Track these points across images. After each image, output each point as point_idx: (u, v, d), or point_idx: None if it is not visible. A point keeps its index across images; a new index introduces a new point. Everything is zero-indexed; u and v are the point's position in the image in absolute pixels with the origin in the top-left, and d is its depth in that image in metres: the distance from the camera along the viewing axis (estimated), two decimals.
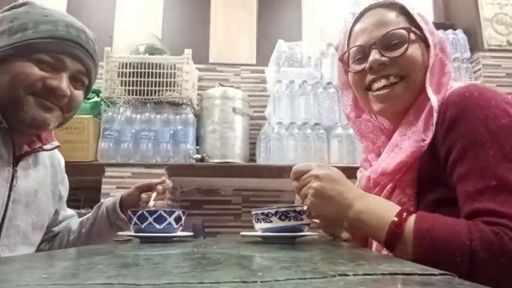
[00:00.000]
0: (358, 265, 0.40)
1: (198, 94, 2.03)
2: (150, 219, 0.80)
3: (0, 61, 0.79)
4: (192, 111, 1.87)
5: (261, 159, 1.83)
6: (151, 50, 1.91)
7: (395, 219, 0.61)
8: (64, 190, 1.06)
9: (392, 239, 0.61)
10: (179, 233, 0.86)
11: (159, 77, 1.79)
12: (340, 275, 0.33)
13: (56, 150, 0.99)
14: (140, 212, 0.81)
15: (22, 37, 0.79)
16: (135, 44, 1.96)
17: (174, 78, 1.80)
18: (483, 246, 0.54)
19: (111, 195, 1.64)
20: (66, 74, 0.84)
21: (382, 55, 0.75)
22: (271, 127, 1.84)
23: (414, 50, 0.74)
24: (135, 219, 0.80)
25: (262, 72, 2.16)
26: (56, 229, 1.06)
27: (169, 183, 1.01)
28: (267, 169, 1.69)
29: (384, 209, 0.64)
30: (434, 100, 0.69)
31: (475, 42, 2.06)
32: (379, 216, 0.64)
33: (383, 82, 0.76)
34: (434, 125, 0.67)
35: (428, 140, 0.67)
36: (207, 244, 0.79)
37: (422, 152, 0.68)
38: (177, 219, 0.83)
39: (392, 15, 0.77)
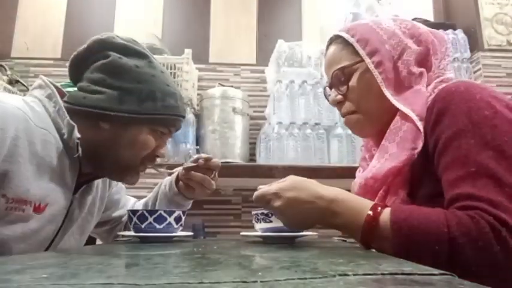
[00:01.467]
0: (358, 265, 0.40)
1: (198, 94, 2.03)
2: (150, 219, 0.80)
3: (125, 123, 0.81)
4: (192, 111, 1.87)
5: (261, 159, 1.83)
6: (151, 50, 1.90)
7: (370, 212, 0.61)
8: (117, 193, 1.07)
9: (368, 234, 0.61)
10: (179, 233, 0.86)
11: None
12: (340, 275, 0.33)
13: None
14: (140, 212, 0.81)
15: (152, 109, 0.83)
16: None
17: (174, 78, 1.80)
18: (461, 231, 0.54)
19: None
20: (167, 139, 0.93)
21: (337, 93, 0.82)
22: (271, 127, 1.84)
23: (357, 82, 0.79)
24: (135, 219, 0.81)
25: (262, 72, 2.16)
26: (124, 219, 1.09)
27: (216, 161, 1.00)
28: (267, 169, 1.69)
29: (356, 210, 0.64)
30: (410, 113, 0.71)
31: (475, 42, 2.06)
32: (353, 215, 0.63)
33: (343, 113, 0.83)
34: (423, 133, 0.68)
35: (418, 149, 0.68)
36: (207, 244, 0.79)
37: (413, 160, 0.68)
38: (177, 219, 0.83)
39: (337, 50, 0.83)
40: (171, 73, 1.80)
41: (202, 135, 1.88)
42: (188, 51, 1.86)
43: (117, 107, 0.79)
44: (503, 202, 0.55)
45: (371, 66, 0.77)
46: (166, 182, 1.06)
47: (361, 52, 0.78)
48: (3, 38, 2.21)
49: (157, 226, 0.80)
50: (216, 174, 1.01)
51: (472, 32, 2.10)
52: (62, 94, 0.83)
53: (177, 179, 1.03)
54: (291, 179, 0.70)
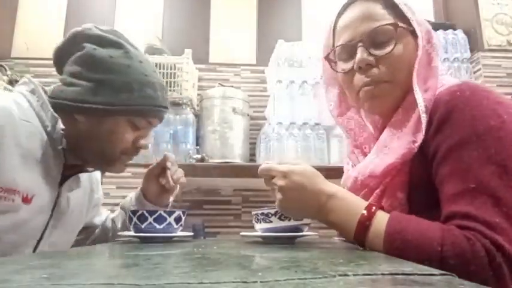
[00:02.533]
0: (358, 265, 0.40)
1: (198, 94, 2.03)
2: (150, 219, 0.80)
3: (101, 115, 0.81)
4: (192, 112, 1.87)
5: (261, 159, 1.83)
6: (152, 50, 1.91)
7: (364, 212, 0.61)
8: (99, 198, 1.08)
9: (361, 234, 0.61)
10: (179, 233, 0.86)
11: None
12: (340, 275, 0.33)
13: None
14: (140, 212, 0.81)
15: (128, 99, 0.82)
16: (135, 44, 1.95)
17: (174, 78, 1.80)
18: (454, 252, 0.53)
19: (111, 195, 1.64)
20: (151, 131, 0.92)
21: (369, 54, 0.71)
22: (271, 127, 1.84)
23: (401, 48, 0.70)
24: (135, 219, 0.80)
25: (262, 72, 2.16)
26: (97, 231, 1.09)
27: (170, 155, 1.03)
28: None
29: (353, 206, 0.64)
30: (420, 102, 0.66)
31: (475, 42, 2.06)
32: (348, 213, 0.63)
33: (370, 80, 0.72)
34: (424, 127, 0.65)
35: (418, 142, 0.65)
36: (207, 244, 0.79)
37: (413, 154, 0.65)
38: (177, 220, 0.83)
39: (377, 7, 0.72)
40: (171, 73, 1.80)
41: (202, 135, 1.88)
42: (188, 51, 1.86)
43: (91, 99, 0.79)
44: (500, 224, 0.53)
45: (420, 35, 0.70)
46: (132, 201, 1.05)
47: (411, 17, 0.71)
48: (3, 38, 2.21)
49: (158, 226, 0.80)
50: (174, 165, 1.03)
51: (472, 32, 2.09)
52: (45, 90, 0.84)
53: (143, 193, 1.03)
54: (304, 166, 0.69)
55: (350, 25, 0.74)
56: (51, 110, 0.80)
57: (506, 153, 0.57)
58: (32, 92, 0.82)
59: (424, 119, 0.65)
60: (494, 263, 0.51)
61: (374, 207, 0.62)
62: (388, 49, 0.70)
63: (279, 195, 0.69)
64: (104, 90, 0.80)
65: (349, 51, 0.74)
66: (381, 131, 0.76)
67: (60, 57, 0.86)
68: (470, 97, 0.61)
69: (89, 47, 0.82)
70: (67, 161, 0.84)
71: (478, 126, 0.59)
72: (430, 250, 0.54)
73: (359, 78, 0.73)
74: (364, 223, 0.61)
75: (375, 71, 0.71)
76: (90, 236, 1.07)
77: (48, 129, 0.80)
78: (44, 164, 0.79)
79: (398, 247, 0.56)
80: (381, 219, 0.60)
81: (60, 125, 0.80)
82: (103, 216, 1.11)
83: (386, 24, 0.70)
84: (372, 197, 0.71)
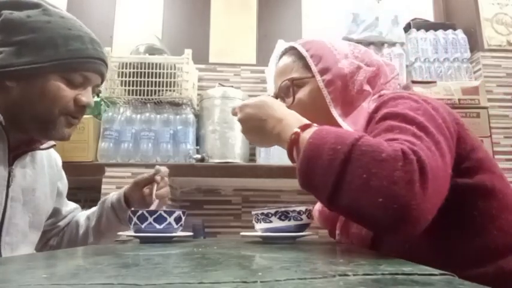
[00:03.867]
0: (358, 265, 0.40)
1: (198, 94, 2.03)
2: (150, 219, 0.80)
3: (29, 76, 0.79)
4: (192, 111, 1.87)
5: (261, 159, 1.83)
6: (151, 50, 1.91)
7: (298, 130, 0.62)
8: (63, 186, 1.07)
9: (290, 146, 0.62)
10: (179, 233, 0.86)
11: (159, 77, 1.79)
12: (340, 275, 0.33)
13: (52, 149, 1.00)
14: (140, 212, 0.81)
15: (54, 55, 0.80)
16: (135, 44, 1.96)
17: (174, 78, 1.80)
18: (369, 143, 0.52)
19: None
20: (91, 87, 0.88)
21: (284, 103, 0.83)
22: None
23: (303, 96, 0.81)
24: (135, 219, 0.80)
25: (262, 72, 2.16)
26: (61, 223, 1.07)
27: (164, 170, 1.01)
28: (267, 169, 1.69)
29: (293, 125, 0.65)
30: (344, 125, 0.74)
31: (475, 42, 2.06)
32: (287, 131, 0.64)
33: None
34: None
35: None
36: (207, 244, 0.79)
37: None
38: (177, 220, 0.83)
39: (290, 61, 0.85)
40: (171, 73, 1.80)
41: (202, 135, 1.88)
42: (188, 51, 1.86)
43: (16, 61, 0.78)
44: (419, 144, 0.54)
45: (321, 85, 0.78)
46: (113, 201, 1.04)
47: (313, 68, 0.80)
48: None
49: (158, 226, 0.80)
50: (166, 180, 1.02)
51: (472, 32, 2.09)
52: None
53: (126, 197, 1.02)
54: (260, 98, 0.73)
55: (274, 78, 0.90)
56: None
57: (424, 120, 0.60)
58: None
59: None
60: (406, 158, 0.50)
61: (315, 125, 0.63)
62: (290, 100, 0.83)
63: (240, 128, 0.75)
64: (27, 50, 0.79)
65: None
66: None
67: None
68: (393, 96, 0.70)
69: (5, 12, 0.81)
70: (10, 138, 0.83)
71: (399, 106, 0.65)
72: (348, 137, 0.54)
73: None
74: (297, 132, 0.62)
75: None
76: (56, 223, 1.06)
77: None
78: None
79: (320, 136, 0.56)
80: (311, 129, 0.61)
81: None
82: (70, 207, 1.10)
83: (287, 80, 0.83)
84: (338, 224, 0.80)
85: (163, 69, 1.80)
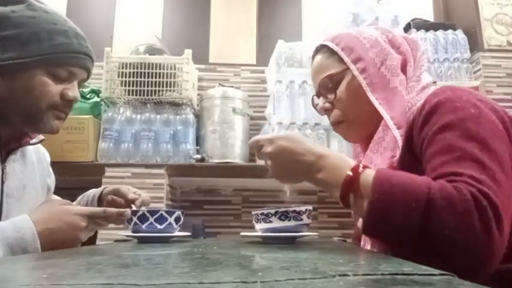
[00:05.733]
0: (358, 265, 0.40)
1: (198, 94, 2.03)
2: (151, 220, 0.80)
3: (14, 71, 0.79)
4: (192, 112, 1.87)
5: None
6: (151, 50, 1.91)
7: (350, 173, 0.62)
8: (51, 182, 1.07)
9: (346, 192, 0.61)
10: (177, 233, 0.86)
11: (159, 77, 1.79)
12: (340, 275, 0.33)
13: (40, 145, 1.00)
14: (141, 212, 0.81)
15: (39, 50, 0.80)
16: (135, 44, 1.96)
17: (174, 78, 1.80)
18: (441, 194, 0.54)
19: None
20: (76, 82, 0.88)
21: (325, 101, 0.85)
22: (271, 127, 1.84)
23: (344, 91, 0.81)
24: (135, 219, 0.80)
25: (262, 72, 2.16)
26: None
27: (146, 199, 0.99)
28: (267, 169, 1.68)
29: (341, 166, 0.64)
30: (389, 121, 0.74)
31: (475, 42, 2.06)
32: (336, 173, 0.64)
33: (332, 122, 0.86)
34: (400, 141, 0.71)
35: (397, 156, 0.71)
36: (207, 244, 0.79)
37: (394, 166, 0.71)
38: (177, 220, 0.83)
39: (324, 59, 0.86)
40: (171, 73, 1.80)
41: (202, 135, 1.88)
42: (188, 52, 1.86)
43: (0, 56, 0.78)
44: (485, 180, 0.55)
45: (356, 73, 0.80)
46: (88, 197, 1.04)
47: (346, 60, 0.82)
48: None
49: (158, 226, 0.80)
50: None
51: (472, 32, 2.09)
52: None
53: (100, 200, 1.02)
54: (288, 133, 0.75)
55: (312, 77, 0.91)
56: None
57: (486, 134, 0.61)
58: None
59: (397, 134, 0.72)
60: (481, 207, 0.52)
61: (361, 166, 0.63)
62: (332, 96, 0.83)
63: (269, 162, 0.71)
64: (11, 45, 0.79)
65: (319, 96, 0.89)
66: (366, 148, 0.83)
67: None
68: (452, 94, 0.68)
69: None
70: (2, 134, 0.83)
71: (459, 113, 0.64)
72: (418, 191, 0.55)
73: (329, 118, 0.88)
74: (351, 177, 0.61)
75: (334, 113, 0.85)
76: None
77: None
78: None
79: (386, 190, 0.57)
80: (369, 172, 0.61)
81: None
82: None
83: (324, 77, 0.84)
84: None
85: (163, 69, 1.80)
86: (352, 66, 0.81)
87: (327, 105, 0.85)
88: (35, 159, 0.97)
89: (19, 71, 0.80)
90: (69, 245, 0.81)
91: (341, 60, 0.83)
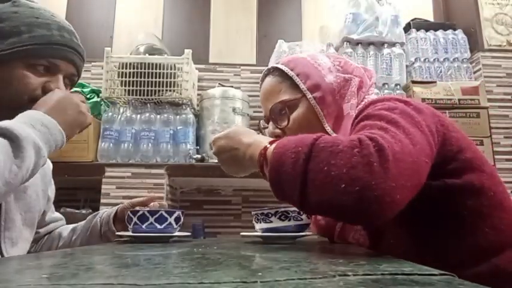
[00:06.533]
0: (358, 265, 0.40)
1: (198, 94, 2.03)
2: (151, 220, 0.80)
3: None
4: (192, 111, 1.87)
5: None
6: (151, 50, 1.91)
7: (267, 145, 0.63)
8: (51, 192, 1.06)
9: (261, 163, 0.62)
10: (177, 233, 0.86)
11: (159, 77, 1.79)
12: (340, 275, 0.33)
13: None
14: (141, 212, 0.81)
15: (18, 42, 0.79)
16: (135, 44, 1.96)
17: (174, 78, 1.80)
18: (327, 140, 0.54)
19: (111, 195, 1.64)
20: (61, 75, 0.86)
21: (276, 127, 0.83)
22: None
23: (298, 117, 0.80)
24: (135, 219, 0.81)
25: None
26: (42, 231, 1.05)
27: (164, 204, 1.01)
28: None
29: (262, 142, 0.65)
30: None
31: (475, 42, 2.06)
32: (257, 150, 0.64)
33: None
34: None
35: None
36: (207, 244, 0.79)
37: None
38: (177, 220, 0.83)
39: (276, 83, 0.83)
40: (170, 73, 1.80)
41: (202, 135, 1.88)
42: (188, 52, 1.86)
43: None
44: (382, 134, 0.55)
45: (313, 103, 0.78)
46: (103, 217, 1.04)
47: (303, 87, 0.79)
48: None
49: (158, 226, 0.80)
50: None
51: (472, 32, 2.10)
52: None
53: (115, 216, 1.02)
54: (231, 128, 0.74)
55: (262, 101, 0.88)
56: None
57: (399, 118, 0.60)
58: None
59: None
60: (362, 145, 0.51)
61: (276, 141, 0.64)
62: (284, 123, 0.81)
63: (217, 161, 0.75)
64: None
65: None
66: None
67: None
68: (375, 99, 0.71)
69: None
70: None
71: (378, 106, 0.66)
72: (308, 138, 0.55)
73: None
74: (265, 147, 0.63)
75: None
76: (39, 228, 1.04)
77: None
78: None
79: (283, 144, 0.57)
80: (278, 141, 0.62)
81: None
82: (55, 215, 1.10)
83: (277, 103, 0.81)
84: (335, 234, 0.80)
85: (163, 69, 1.80)
86: (309, 95, 0.79)
87: (278, 131, 0.82)
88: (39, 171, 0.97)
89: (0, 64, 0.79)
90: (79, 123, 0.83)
91: (296, 87, 0.81)
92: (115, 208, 1.04)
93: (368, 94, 0.84)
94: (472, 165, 0.67)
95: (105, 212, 1.05)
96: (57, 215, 1.12)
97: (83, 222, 1.08)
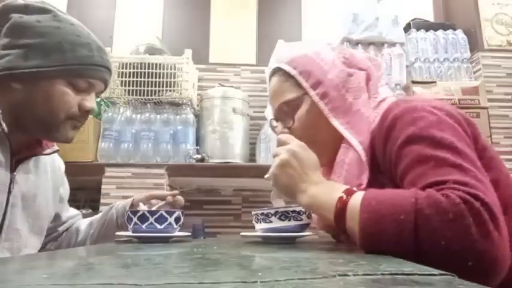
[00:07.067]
0: (358, 265, 0.40)
1: (198, 94, 2.03)
2: (151, 220, 0.80)
3: (35, 79, 0.80)
4: (192, 112, 1.87)
5: (261, 159, 1.83)
6: (151, 50, 1.91)
7: (343, 195, 0.60)
8: (65, 192, 1.07)
9: (340, 215, 0.59)
10: (177, 233, 0.86)
11: (159, 77, 1.79)
12: (340, 275, 0.33)
13: (56, 154, 1.00)
14: (141, 212, 0.81)
15: (61, 60, 0.81)
16: (135, 44, 1.96)
17: (174, 78, 1.80)
18: (428, 203, 0.52)
19: (111, 195, 1.64)
20: (94, 93, 0.90)
21: (283, 126, 0.83)
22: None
23: (303, 116, 0.79)
24: (135, 219, 0.80)
25: (262, 72, 2.16)
26: (60, 229, 1.07)
27: (181, 199, 1.02)
28: (266, 169, 1.68)
29: (333, 190, 0.63)
30: (356, 144, 0.72)
31: (475, 42, 2.06)
32: (328, 197, 0.62)
33: None
34: (368, 167, 0.69)
35: (364, 185, 0.69)
36: (207, 244, 0.79)
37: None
38: (177, 220, 0.83)
39: (280, 82, 0.83)
40: (171, 73, 1.80)
41: (202, 135, 1.88)
42: (188, 52, 1.86)
43: (22, 64, 0.78)
44: (471, 181, 0.53)
45: (316, 99, 0.77)
46: (118, 208, 1.05)
47: (305, 85, 0.79)
48: None
49: (158, 226, 0.80)
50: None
51: (472, 32, 2.09)
52: None
53: (131, 207, 1.03)
54: (302, 150, 0.70)
55: (269, 100, 0.88)
56: None
57: (451, 138, 0.59)
58: None
59: (365, 160, 0.70)
60: (473, 209, 0.50)
61: (353, 190, 0.62)
62: (290, 123, 0.81)
63: (275, 170, 0.71)
64: (35, 53, 0.79)
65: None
66: (329, 172, 0.80)
67: None
68: (406, 105, 0.67)
69: (15, 16, 0.81)
70: (13, 144, 0.83)
71: (419, 123, 0.62)
72: (405, 203, 0.53)
73: None
74: (340, 205, 0.60)
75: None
76: (55, 228, 1.06)
77: None
78: None
79: (374, 208, 0.55)
80: (358, 195, 0.59)
81: None
82: (71, 213, 1.10)
83: (282, 103, 0.81)
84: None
85: (163, 69, 1.80)
86: (311, 92, 0.78)
87: (286, 130, 0.82)
88: (49, 169, 0.97)
89: (40, 79, 0.80)
90: None
91: (299, 85, 0.80)
92: (130, 199, 1.04)
93: (378, 87, 0.81)
94: (492, 164, 0.66)
95: (121, 203, 1.06)
96: (73, 211, 1.13)
97: (99, 215, 1.09)
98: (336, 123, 0.76)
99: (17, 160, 0.85)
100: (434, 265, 0.48)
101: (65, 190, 1.07)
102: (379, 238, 0.53)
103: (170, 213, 0.82)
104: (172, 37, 2.27)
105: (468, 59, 2.04)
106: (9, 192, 0.83)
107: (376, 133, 0.70)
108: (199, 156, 1.77)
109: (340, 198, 0.60)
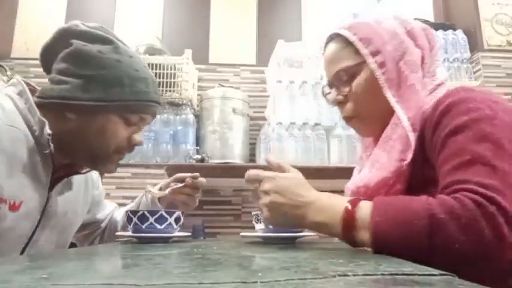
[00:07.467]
0: (358, 265, 0.40)
1: (198, 94, 2.03)
2: (151, 220, 0.80)
3: (93, 111, 0.80)
4: (192, 112, 1.87)
5: (261, 160, 1.83)
6: (151, 51, 1.91)
7: (348, 205, 0.59)
8: (99, 194, 1.07)
9: (349, 227, 0.58)
10: (177, 233, 0.86)
11: (159, 78, 1.79)
12: (340, 275, 0.33)
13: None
14: (141, 212, 0.81)
15: (120, 95, 0.80)
16: (135, 44, 1.96)
17: (174, 78, 1.80)
18: (442, 208, 0.52)
19: (111, 195, 1.64)
20: (143, 126, 0.91)
21: (338, 93, 0.81)
22: (271, 127, 1.84)
23: (361, 84, 0.77)
24: (135, 219, 0.80)
25: (262, 72, 2.16)
26: (102, 225, 1.08)
27: (203, 180, 1.02)
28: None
29: (334, 205, 0.62)
30: (404, 120, 0.70)
31: (475, 43, 2.06)
32: (331, 214, 0.61)
33: (343, 116, 0.82)
34: (413, 144, 0.68)
35: (407, 161, 0.67)
36: (207, 244, 0.79)
37: (402, 172, 0.68)
38: (177, 220, 0.83)
39: (339, 48, 0.81)
40: (171, 73, 1.80)
41: (202, 135, 1.88)
42: (188, 52, 1.86)
43: (81, 95, 0.78)
44: (493, 184, 0.53)
45: (373, 66, 0.75)
46: (149, 195, 1.05)
47: (364, 52, 0.76)
48: (4, 38, 2.21)
49: (158, 226, 0.80)
50: (200, 191, 1.03)
51: (472, 32, 2.10)
52: (34, 92, 0.82)
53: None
54: (283, 180, 0.69)
55: (325, 67, 0.85)
56: (38, 113, 0.78)
57: (501, 134, 0.58)
58: (20, 94, 0.80)
59: (412, 136, 0.68)
60: (487, 213, 0.50)
61: (357, 201, 0.61)
62: (346, 90, 0.79)
63: (265, 211, 0.69)
64: (94, 86, 0.79)
65: (331, 86, 0.84)
66: (376, 142, 0.79)
67: (47, 56, 0.85)
68: (465, 95, 0.65)
69: (77, 43, 0.81)
70: (56, 165, 0.82)
71: (472, 114, 0.61)
72: (418, 208, 0.53)
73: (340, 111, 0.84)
74: (351, 215, 0.59)
75: (347, 107, 0.80)
76: (96, 230, 1.07)
77: (36, 133, 0.78)
78: (32, 170, 0.77)
79: (387, 213, 0.55)
80: (365, 204, 0.59)
81: (48, 129, 0.78)
82: (107, 209, 1.11)
83: (340, 69, 0.79)
84: None
85: (163, 69, 1.80)
86: (370, 60, 0.75)
87: (340, 97, 0.80)
88: (82, 186, 0.97)
89: (97, 112, 0.80)
90: None
91: (357, 52, 0.77)
92: (158, 186, 1.05)
93: (435, 65, 0.79)
94: None
95: (151, 189, 1.06)
96: (110, 207, 1.13)
97: (133, 203, 1.10)
98: (389, 94, 0.74)
99: (55, 178, 0.84)
100: (449, 269, 0.49)
101: (99, 191, 1.07)
102: (392, 243, 0.53)
103: (170, 214, 0.82)
104: (172, 37, 2.27)
105: (468, 59, 2.04)
106: (43, 211, 0.82)
107: (428, 116, 0.69)
108: (199, 156, 1.77)
109: (346, 209, 0.59)
